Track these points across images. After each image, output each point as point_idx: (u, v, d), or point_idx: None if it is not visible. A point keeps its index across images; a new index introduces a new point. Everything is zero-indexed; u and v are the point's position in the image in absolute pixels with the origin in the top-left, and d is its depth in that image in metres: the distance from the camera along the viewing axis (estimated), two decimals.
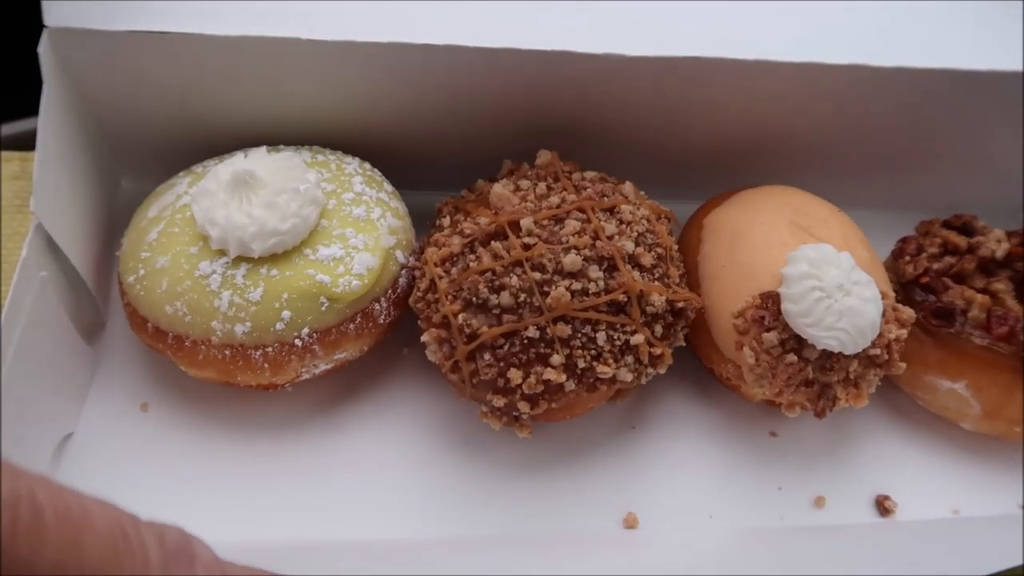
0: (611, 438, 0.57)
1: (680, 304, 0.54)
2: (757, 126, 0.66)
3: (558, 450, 0.56)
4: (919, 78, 0.61)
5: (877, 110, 0.66)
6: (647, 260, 0.53)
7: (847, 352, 0.51)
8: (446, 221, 0.57)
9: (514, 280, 0.50)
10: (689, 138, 0.65)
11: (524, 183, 0.57)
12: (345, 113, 0.61)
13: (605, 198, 0.56)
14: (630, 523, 0.54)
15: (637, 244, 0.54)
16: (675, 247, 0.58)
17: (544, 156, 0.59)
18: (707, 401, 0.60)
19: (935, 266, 0.59)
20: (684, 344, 0.56)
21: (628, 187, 0.58)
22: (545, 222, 0.53)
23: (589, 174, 0.59)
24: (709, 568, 0.52)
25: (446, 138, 0.64)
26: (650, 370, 0.53)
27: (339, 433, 0.56)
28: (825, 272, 0.51)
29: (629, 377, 0.52)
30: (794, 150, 0.69)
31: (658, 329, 0.53)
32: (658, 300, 0.52)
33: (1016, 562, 0.47)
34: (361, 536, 0.52)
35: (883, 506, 0.56)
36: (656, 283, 0.53)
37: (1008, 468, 0.58)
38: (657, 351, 0.53)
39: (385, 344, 0.57)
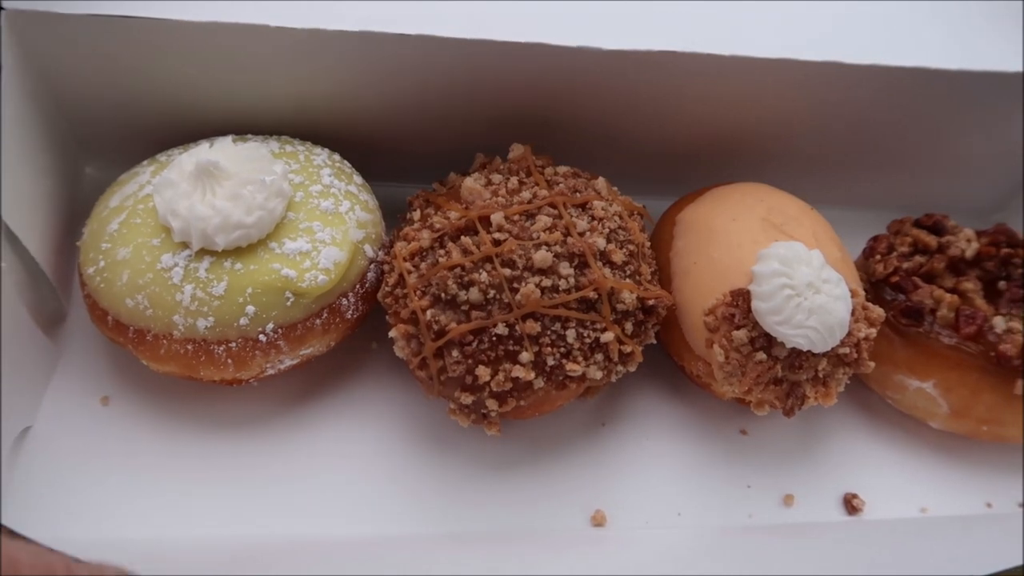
0: (581, 435, 0.57)
1: (651, 301, 0.54)
2: (732, 122, 0.65)
3: (527, 447, 0.56)
4: (892, 76, 0.61)
5: (851, 107, 0.66)
6: (618, 257, 0.53)
7: (816, 350, 0.51)
8: (416, 215, 0.56)
9: (483, 276, 0.50)
10: (663, 133, 0.65)
11: (496, 177, 0.56)
12: (315, 103, 0.60)
13: (577, 194, 0.55)
14: (598, 521, 0.53)
15: (609, 241, 0.53)
16: (647, 244, 0.57)
17: (517, 150, 0.58)
18: (678, 399, 0.60)
19: (905, 265, 0.59)
20: (655, 342, 0.56)
21: (601, 183, 0.57)
22: (516, 217, 0.52)
23: (562, 169, 0.58)
24: (677, 566, 0.52)
25: (419, 130, 0.63)
26: (620, 368, 0.53)
27: (304, 430, 0.55)
28: (795, 270, 0.51)
29: (599, 375, 0.52)
30: (768, 147, 0.68)
31: (628, 326, 0.53)
32: (629, 297, 0.52)
33: (985, 565, 0.47)
34: (325, 533, 0.51)
35: (851, 504, 0.56)
36: (627, 280, 0.53)
37: (977, 467, 0.58)
38: (627, 349, 0.53)
39: (353, 339, 0.56)
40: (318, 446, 0.54)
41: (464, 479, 0.54)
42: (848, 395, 0.61)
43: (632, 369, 0.54)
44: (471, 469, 0.54)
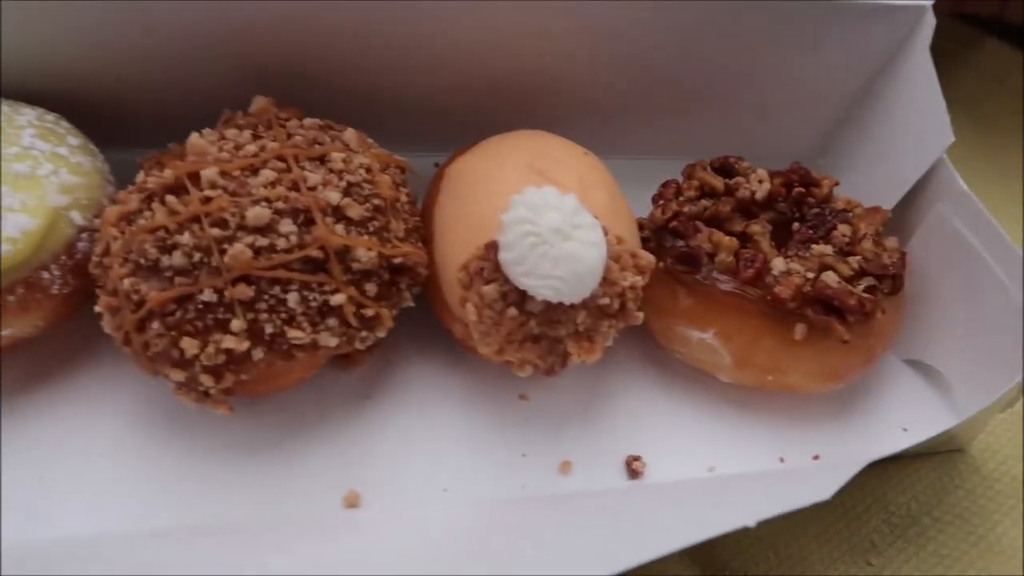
0: (340, 411, 0.52)
1: (399, 260, 0.49)
2: (515, 71, 0.61)
3: (278, 426, 0.51)
4: (692, 11, 0.58)
5: (650, 49, 0.62)
6: (356, 212, 0.48)
7: (566, 301, 0.47)
8: (141, 177, 0.50)
9: (187, 238, 0.44)
10: (439, 84, 0.60)
11: (232, 132, 0.51)
12: (47, 62, 0.54)
13: (317, 146, 0.50)
14: (351, 502, 0.49)
15: (346, 195, 0.48)
16: (405, 199, 0.53)
17: (258, 102, 0.53)
18: (453, 365, 0.55)
19: (687, 209, 0.55)
20: (412, 304, 0.51)
21: (350, 134, 0.53)
22: (237, 173, 0.47)
23: (308, 121, 0.53)
24: (438, 545, 0.48)
25: (166, 89, 0.58)
26: (364, 333, 0.48)
27: (25, 419, 0.49)
28: (542, 216, 0.46)
29: (334, 342, 0.47)
30: (564, 97, 0.64)
31: (370, 288, 0.48)
32: (366, 256, 0.47)
33: (768, 511, 0.43)
34: (44, 536, 0.46)
35: (632, 468, 0.52)
36: (368, 237, 0.48)
37: (769, 420, 0.55)
38: (370, 312, 0.48)
39: (83, 319, 0.51)
40: (37, 438, 0.48)
41: (201, 465, 0.49)
42: (639, 351, 0.58)
43: (381, 334, 0.49)
44: (209, 454, 0.49)
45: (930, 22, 0.61)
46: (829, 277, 0.51)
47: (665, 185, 0.58)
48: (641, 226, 0.57)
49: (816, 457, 0.54)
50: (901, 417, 0.56)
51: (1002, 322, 0.52)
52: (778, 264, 0.52)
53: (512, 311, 0.47)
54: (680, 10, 0.60)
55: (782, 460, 0.53)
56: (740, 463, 0.53)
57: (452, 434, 0.52)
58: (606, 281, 0.48)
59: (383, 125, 0.61)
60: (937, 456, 0.55)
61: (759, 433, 0.54)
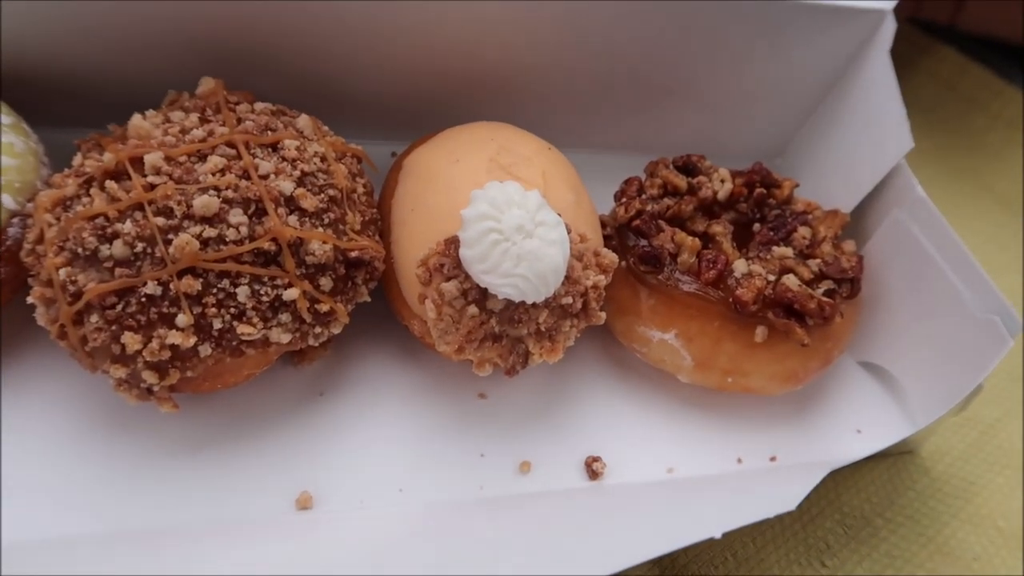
0: (293, 408, 0.50)
1: (355, 254, 0.47)
2: (478, 60, 0.59)
3: (229, 424, 0.49)
4: (658, 7, 0.57)
5: (623, 48, 0.61)
6: (311, 203, 0.46)
7: (528, 301, 0.46)
8: (78, 160, 0.47)
9: (129, 227, 0.42)
10: (398, 70, 0.58)
11: (177, 115, 0.48)
12: None
13: (268, 132, 0.48)
14: (303, 504, 0.47)
15: (300, 185, 0.46)
16: (361, 190, 0.51)
17: (206, 84, 0.50)
18: (411, 362, 0.54)
19: (650, 208, 0.54)
20: (368, 299, 0.49)
21: (305, 121, 0.50)
22: (183, 158, 0.45)
23: (260, 106, 0.51)
24: (393, 547, 0.46)
25: (108, 66, 0.54)
26: (319, 329, 0.46)
27: None
28: (505, 213, 0.45)
29: (286, 338, 0.45)
30: (527, 89, 0.63)
31: (325, 282, 0.46)
32: (321, 249, 0.45)
33: (733, 521, 0.43)
34: None
35: (591, 468, 0.51)
36: (322, 230, 0.46)
37: (728, 421, 0.55)
38: (324, 307, 0.46)
39: (15, 310, 0.48)
40: None
41: (144, 465, 0.46)
42: (602, 351, 0.57)
43: (336, 330, 0.47)
44: (153, 453, 0.47)
45: (891, 26, 0.62)
46: (790, 280, 0.51)
47: (628, 182, 0.57)
48: (603, 223, 0.56)
49: (773, 458, 0.54)
50: (855, 419, 0.57)
51: (955, 329, 0.52)
52: (740, 266, 0.51)
53: (472, 309, 0.46)
54: (646, 7, 0.59)
55: (740, 461, 0.53)
56: (699, 464, 0.53)
57: (408, 433, 0.51)
58: (569, 280, 0.47)
59: (340, 112, 0.59)
60: (889, 458, 0.56)
61: (717, 434, 0.54)
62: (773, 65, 0.65)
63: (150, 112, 0.48)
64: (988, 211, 0.76)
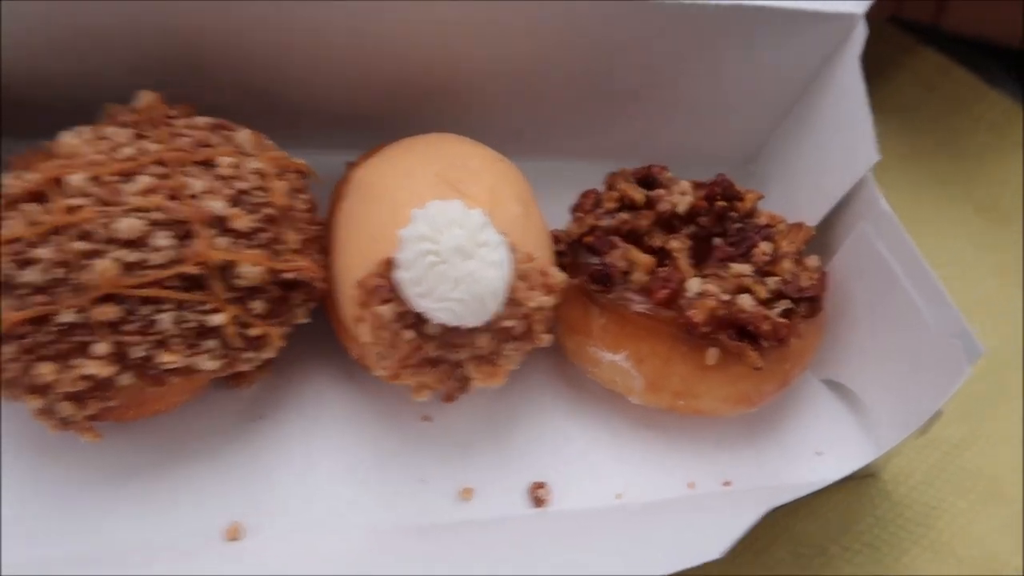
0: (230, 432, 0.49)
1: (291, 275, 0.46)
2: (432, 66, 0.57)
3: (159, 450, 0.48)
4: (618, 9, 0.55)
5: (584, 52, 0.59)
6: (244, 223, 0.44)
7: (465, 325, 0.44)
8: (8, 179, 0.46)
9: (47, 252, 0.40)
10: (350, 80, 0.56)
11: (112, 131, 0.47)
12: None
13: (203, 148, 0.46)
14: (232, 534, 0.46)
15: (235, 204, 0.45)
16: (303, 207, 0.49)
17: (145, 97, 0.49)
18: (355, 384, 0.52)
19: (604, 223, 0.52)
20: (307, 320, 0.48)
21: (245, 136, 0.49)
22: (109, 178, 0.43)
23: (200, 120, 0.49)
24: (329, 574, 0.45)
25: (47, 76, 0.52)
26: (250, 354, 0.45)
27: None
28: (444, 233, 0.43)
29: (213, 365, 0.43)
30: (484, 96, 0.61)
31: (257, 305, 0.44)
32: (251, 271, 0.44)
33: (681, 556, 0.41)
34: None
35: (535, 496, 0.50)
36: (255, 251, 0.45)
37: (681, 444, 0.53)
38: (256, 331, 0.45)
39: None
40: None
41: (67, 495, 0.45)
42: (555, 372, 0.55)
43: (270, 354, 0.46)
44: (77, 483, 0.46)
45: (862, 31, 0.60)
46: (744, 300, 0.49)
47: (584, 195, 0.55)
48: (558, 239, 0.55)
49: (727, 483, 0.52)
50: (816, 440, 0.55)
51: (919, 349, 0.51)
52: (693, 285, 0.50)
53: (409, 334, 0.44)
54: (609, 10, 0.57)
55: (691, 486, 0.52)
56: (649, 489, 0.51)
57: (348, 457, 0.50)
58: (512, 302, 0.46)
59: (297, 122, 0.57)
60: (850, 481, 0.54)
61: (669, 458, 0.53)
62: (743, 69, 0.63)
63: (83, 128, 0.47)
64: (968, 217, 0.73)
